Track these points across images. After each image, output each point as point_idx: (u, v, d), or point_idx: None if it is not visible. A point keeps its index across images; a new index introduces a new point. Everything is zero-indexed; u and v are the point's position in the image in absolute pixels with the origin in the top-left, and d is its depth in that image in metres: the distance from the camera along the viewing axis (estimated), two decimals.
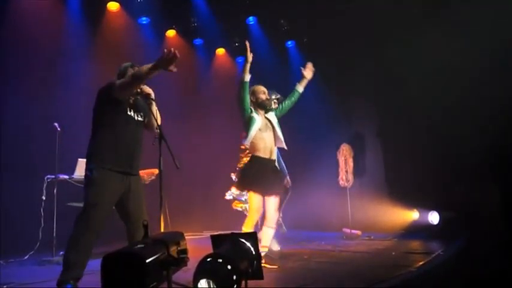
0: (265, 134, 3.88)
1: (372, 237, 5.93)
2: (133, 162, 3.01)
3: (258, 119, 3.87)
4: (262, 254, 3.80)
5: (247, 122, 3.84)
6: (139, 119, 3.13)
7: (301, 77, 4.08)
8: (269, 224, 3.85)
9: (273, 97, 4.02)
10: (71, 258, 2.77)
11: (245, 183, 3.88)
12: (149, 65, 2.74)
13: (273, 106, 4.01)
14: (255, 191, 3.76)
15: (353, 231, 6.14)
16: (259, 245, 3.81)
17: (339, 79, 7.22)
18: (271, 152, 3.88)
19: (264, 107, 3.95)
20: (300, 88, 4.08)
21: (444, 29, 5.78)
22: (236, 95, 3.87)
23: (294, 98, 4.09)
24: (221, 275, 2.02)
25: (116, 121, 2.97)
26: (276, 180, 3.89)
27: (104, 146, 2.93)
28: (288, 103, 4.09)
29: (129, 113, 3.03)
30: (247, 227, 3.76)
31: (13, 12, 5.45)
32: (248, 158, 4.29)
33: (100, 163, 2.90)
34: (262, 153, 3.85)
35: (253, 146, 3.86)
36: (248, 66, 3.79)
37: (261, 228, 3.99)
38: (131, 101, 3.10)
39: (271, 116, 4.01)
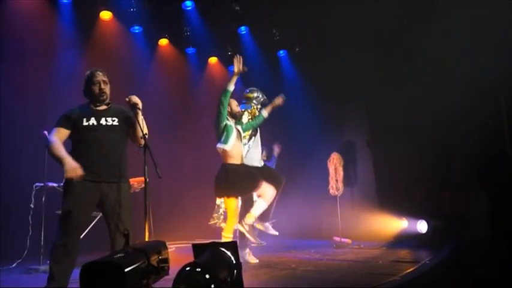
0: (237, 142, 4.13)
1: (362, 246, 5.95)
2: (109, 169, 2.96)
3: (233, 127, 4.14)
4: (250, 224, 4.09)
5: (225, 129, 4.08)
6: (112, 123, 3.06)
7: (270, 102, 4.51)
8: (265, 198, 4.08)
9: (259, 96, 4.46)
10: (54, 268, 2.78)
11: (220, 191, 4.13)
12: (62, 155, 2.82)
13: (245, 117, 4.40)
14: (229, 196, 4.00)
15: (343, 239, 6.15)
16: (247, 215, 4.08)
17: (330, 88, 7.28)
18: (241, 158, 4.16)
19: (235, 117, 4.27)
20: (265, 113, 4.44)
21: (434, 38, 5.87)
22: (217, 101, 4.08)
23: (258, 121, 4.42)
24: (199, 284, 2.03)
25: (79, 132, 2.97)
26: (255, 177, 4.10)
27: (75, 156, 2.92)
28: (252, 123, 4.41)
29: (90, 122, 2.99)
30: (227, 232, 3.98)
31: (2, 22, 5.44)
32: None
33: None
34: (235, 160, 4.08)
35: (226, 153, 4.07)
36: (235, 78, 4.04)
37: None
38: (101, 108, 3.09)
39: (239, 128, 4.29)
